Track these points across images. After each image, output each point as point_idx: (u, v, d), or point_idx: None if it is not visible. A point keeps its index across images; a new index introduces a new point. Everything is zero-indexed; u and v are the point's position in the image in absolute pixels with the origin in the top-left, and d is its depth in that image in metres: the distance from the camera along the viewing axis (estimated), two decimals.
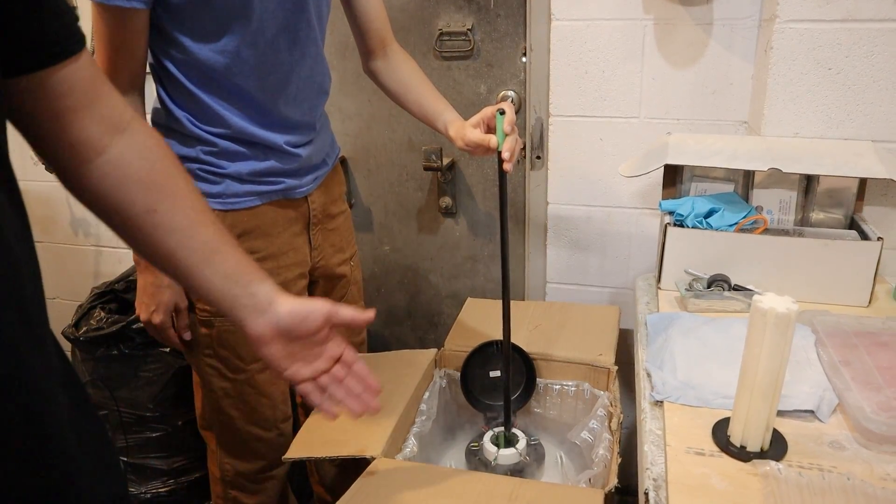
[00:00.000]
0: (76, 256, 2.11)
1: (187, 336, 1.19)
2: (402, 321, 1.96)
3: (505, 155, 1.04)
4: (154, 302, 1.13)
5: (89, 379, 1.56)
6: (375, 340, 1.97)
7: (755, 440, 0.80)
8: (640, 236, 1.60)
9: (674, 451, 0.83)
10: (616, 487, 0.97)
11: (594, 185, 1.58)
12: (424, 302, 1.91)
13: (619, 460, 1.03)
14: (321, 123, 1.22)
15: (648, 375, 1.00)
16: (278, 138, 1.11)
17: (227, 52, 1.01)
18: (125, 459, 1.57)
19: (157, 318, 1.14)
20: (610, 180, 1.57)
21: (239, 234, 1.12)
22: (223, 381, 1.21)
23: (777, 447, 0.81)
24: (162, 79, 1.07)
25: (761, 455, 0.80)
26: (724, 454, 0.82)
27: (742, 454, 0.81)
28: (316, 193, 1.23)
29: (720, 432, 0.85)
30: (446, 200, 1.77)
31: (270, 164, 1.12)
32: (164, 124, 1.09)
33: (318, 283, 1.33)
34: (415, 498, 0.94)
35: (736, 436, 0.81)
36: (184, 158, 1.08)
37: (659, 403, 0.94)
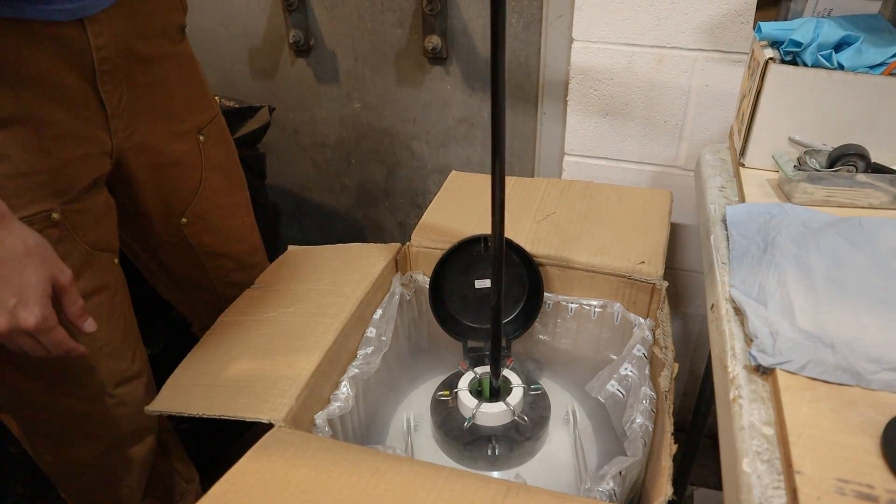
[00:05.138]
0: None
1: (91, 327, 0.69)
2: (379, 200, 1.62)
3: None
4: (14, 292, 0.62)
5: None
6: (345, 224, 1.68)
7: None
8: (703, 91, 1.13)
9: (808, 483, 0.42)
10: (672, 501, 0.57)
11: (639, 14, 1.10)
12: (406, 177, 1.56)
13: (674, 447, 0.62)
14: None
15: (739, 315, 0.58)
16: None
17: None
18: None
19: (31, 319, 0.63)
20: (664, 5, 1.08)
21: None
22: None
23: None
24: None
25: None
26: None
27: None
28: (105, 19, 0.71)
29: None
30: (434, 40, 1.32)
31: None
32: None
33: (139, 176, 0.83)
34: None
35: None
36: None
37: (764, 372, 0.52)
